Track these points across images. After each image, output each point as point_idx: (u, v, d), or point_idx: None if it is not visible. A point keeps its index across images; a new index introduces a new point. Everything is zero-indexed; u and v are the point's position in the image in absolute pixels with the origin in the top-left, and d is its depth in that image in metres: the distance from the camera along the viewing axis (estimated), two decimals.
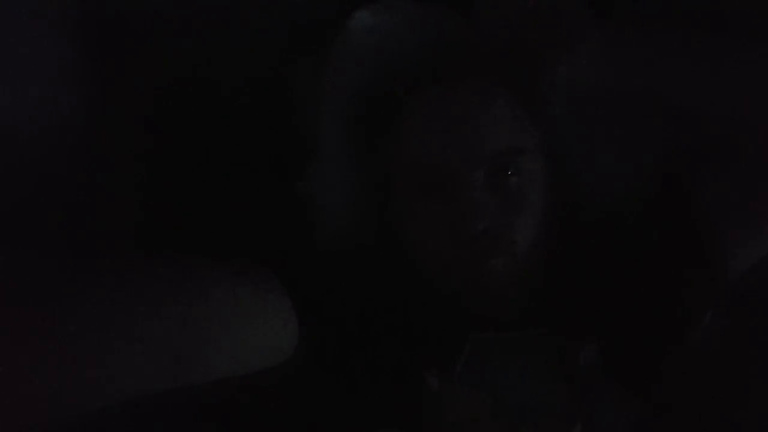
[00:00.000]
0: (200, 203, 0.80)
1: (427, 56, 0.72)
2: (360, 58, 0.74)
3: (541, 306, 0.70)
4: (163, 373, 0.57)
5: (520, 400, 0.66)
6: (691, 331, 0.71)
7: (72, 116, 0.76)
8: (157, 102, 0.81)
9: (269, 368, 0.64)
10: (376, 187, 0.73)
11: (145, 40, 0.81)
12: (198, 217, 0.79)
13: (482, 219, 0.66)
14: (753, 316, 0.77)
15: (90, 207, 0.76)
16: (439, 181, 0.68)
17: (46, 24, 0.75)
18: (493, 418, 0.65)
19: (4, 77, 0.70)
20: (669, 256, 0.72)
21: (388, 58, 0.72)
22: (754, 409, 0.74)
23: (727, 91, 0.73)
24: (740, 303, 0.75)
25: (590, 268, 0.72)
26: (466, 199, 0.67)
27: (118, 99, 0.79)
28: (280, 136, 0.81)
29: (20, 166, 0.72)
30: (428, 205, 0.69)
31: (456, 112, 0.69)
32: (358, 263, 0.73)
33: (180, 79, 0.82)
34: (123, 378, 0.55)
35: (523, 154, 0.69)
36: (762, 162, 0.73)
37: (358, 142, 0.74)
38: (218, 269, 0.62)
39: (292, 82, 0.81)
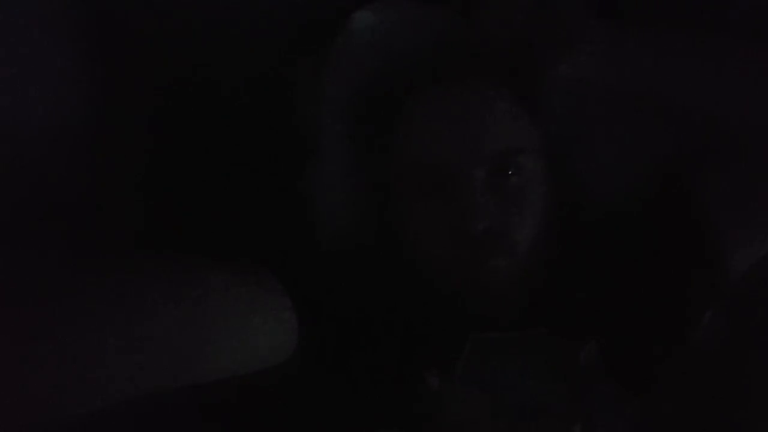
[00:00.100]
0: (200, 203, 0.80)
1: (427, 56, 0.72)
2: (360, 58, 0.74)
3: (541, 306, 0.70)
4: (163, 373, 0.57)
5: (520, 400, 0.66)
6: (691, 331, 0.71)
7: (72, 116, 0.76)
8: (157, 102, 0.81)
9: (269, 368, 0.64)
10: (376, 187, 0.73)
11: (145, 40, 0.80)
12: (198, 217, 0.79)
13: (482, 219, 0.66)
14: (753, 316, 0.77)
15: (90, 207, 0.76)
16: (439, 181, 0.68)
17: (46, 24, 0.75)
18: (493, 418, 0.65)
19: (4, 77, 0.70)
20: (669, 255, 0.72)
21: (389, 58, 0.73)
22: (754, 409, 0.74)
23: (728, 91, 0.73)
24: (740, 303, 0.75)
25: (590, 268, 0.72)
26: (466, 199, 0.67)
27: (118, 99, 0.79)
28: (281, 136, 0.81)
29: (20, 166, 0.72)
30: (428, 205, 0.69)
31: (456, 112, 0.69)
32: (358, 263, 0.73)
33: (180, 79, 0.82)
34: (123, 378, 0.55)
35: (523, 154, 0.69)
36: (762, 162, 0.73)
37: (358, 142, 0.74)
38: (218, 269, 0.62)
39: (292, 82, 0.81)
